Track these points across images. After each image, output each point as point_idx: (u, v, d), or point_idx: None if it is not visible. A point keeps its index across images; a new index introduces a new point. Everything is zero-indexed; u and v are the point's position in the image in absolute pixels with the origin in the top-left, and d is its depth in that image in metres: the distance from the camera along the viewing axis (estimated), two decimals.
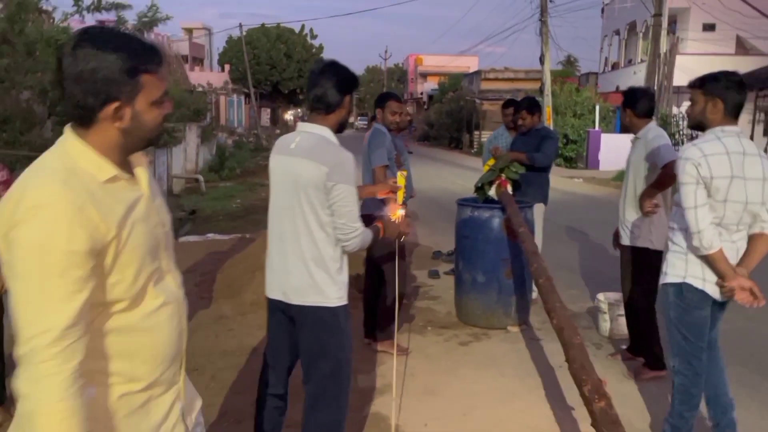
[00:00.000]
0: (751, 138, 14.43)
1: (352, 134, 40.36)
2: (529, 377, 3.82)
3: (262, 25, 43.39)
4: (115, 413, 1.30)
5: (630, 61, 26.84)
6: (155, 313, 1.34)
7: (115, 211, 1.25)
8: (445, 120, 33.08)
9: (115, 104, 1.26)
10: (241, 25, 36.31)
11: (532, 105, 5.26)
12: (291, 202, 2.32)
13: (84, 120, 1.27)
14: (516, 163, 4.91)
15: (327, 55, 51.44)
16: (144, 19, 6.83)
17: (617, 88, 23.36)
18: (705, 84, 2.68)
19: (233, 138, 24.76)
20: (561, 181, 15.28)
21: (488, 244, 4.57)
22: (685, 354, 2.72)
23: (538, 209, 5.06)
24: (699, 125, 2.73)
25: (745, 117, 15.59)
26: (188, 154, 15.38)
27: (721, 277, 2.58)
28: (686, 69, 17.38)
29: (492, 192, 4.93)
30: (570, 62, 44.91)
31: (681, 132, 15.23)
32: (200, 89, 24.30)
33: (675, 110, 16.44)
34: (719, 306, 2.75)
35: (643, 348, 3.88)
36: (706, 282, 2.63)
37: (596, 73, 31.05)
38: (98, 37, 1.25)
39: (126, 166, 1.35)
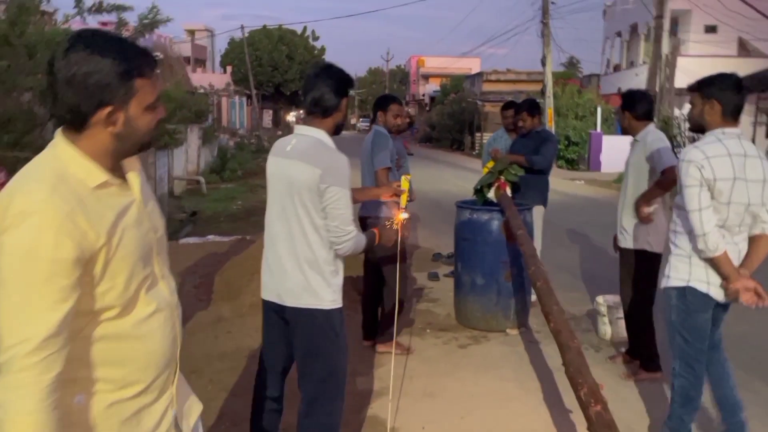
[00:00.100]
0: (753, 140, 14.42)
1: (353, 136, 40.43)
2: (528, 380, 3.82)
3: (264, 26, 43.53)
4: (105, 421, 1.28)
5: (632, 63, 26.83)
6: (147, 320, 1.33)
7: (105, 218, 1.24)
8: (446, 122, 33.09)
9: (108, 109, 1.24)
10: (243, 27, 36.39)
11: (532, 107, 5.26)
12: (286, 204, 2.32)
13: (76, 124, 1.25)
14: (515, 165, 4.91)
15: (329, 56, 51.64)
16: (145, 21, 6.82)
17: (619, 90, 23.27)
18: (702, 86, 2.69)
19: (235, 139, 24.82)
20: (562, 183, 15.27)
21: (487, 246, 4.57)
22: (686, 357, 2.71)
23: (538, 212, 5.05)
24: (699, 127, 2.73)
25: (746, 119, 15.58)
26: (190, 156, 15.41)
27: (725, 279, 2.58)
28: (688, 71, 17.37)
29: (491, 194, 4.93)
30: (572, 64, 44.94)
31: (682, 134, 15.20)
32: (202, 91, 24.35)
33: (677, 112, 16.42)
34: (722, 308, 2.75)
35: (640, 349, 3.88)
36: (710, 285, 2.63)
37: (598, 75, 31.04)
38: (91, 41, 1.24)
39: (118, 171, 1.34)
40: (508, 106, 5.76)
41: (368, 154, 4.08)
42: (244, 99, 37.36)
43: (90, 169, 1.26)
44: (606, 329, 4.55)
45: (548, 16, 20.24)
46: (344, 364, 2.42)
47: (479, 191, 5.02)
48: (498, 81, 33.39)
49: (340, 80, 2.37)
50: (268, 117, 45.56)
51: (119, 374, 1.30)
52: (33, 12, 6.36)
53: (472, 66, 45.71)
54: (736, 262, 2.61)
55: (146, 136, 1.34)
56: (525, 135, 5.21)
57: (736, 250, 2.63)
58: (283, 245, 2.35)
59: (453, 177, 16.65)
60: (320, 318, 2.32)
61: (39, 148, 1.32)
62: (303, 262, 2.30)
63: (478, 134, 28.69)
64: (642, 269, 3.74)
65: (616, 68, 28.71)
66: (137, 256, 1.30)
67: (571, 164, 20.30)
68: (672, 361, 2.81)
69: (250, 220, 9.73)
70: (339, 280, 2.38)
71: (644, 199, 3.64)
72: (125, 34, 6.60)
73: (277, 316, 2.43)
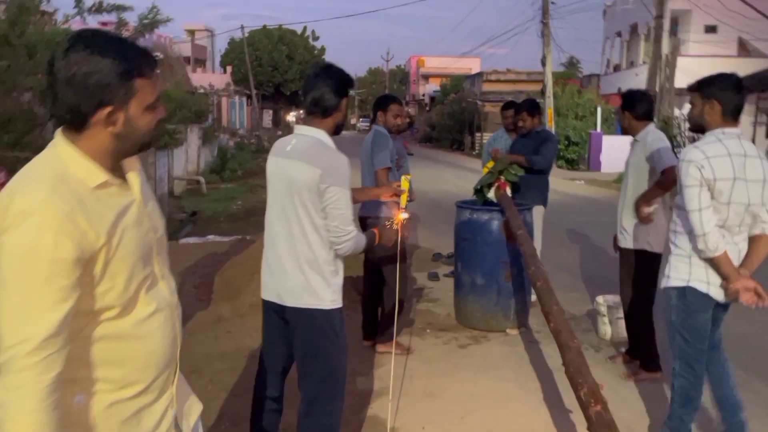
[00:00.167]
0: (753, 140, 14.42)
1: (354, 136, 40.43)
2: (528, 380, 3.82)
3: (264, 26, 43.53)
4: (105, 421, 1.28)
5: (632, 63, 26.83)
6: (147, 320, 1.33)
7: (104, 218, 1.24)
8: (446, 121, 33.09)
9: (108, 109, 1.24)
10: (243, 27, 36.40)
11: (532, 107, 5.26)
12: (286, 204, 2.33)
13: (76, 124, 1.25)
14: (515, 165, 4.91)
15: (329, 56, 51.64)
16: (145, 21, 6.82)
17: (619, 90, 23.28)
18: (702, 86, 2.70)
19: (235, 139, 24.83)
20: (562, 183, 15.27)
21: (487, 246, 4.57)
22: (686, 357, 2.72)
23: (538, 212, 5.05)
24: (699, 127, 2.74)
25: (746, 119, 15.57)
26: (190, 156, 15.41)
27: (725, 279, 2.58)
28: (688, 71, 17.37)
29: (491, 194, 4.93)
30: (572, 64, 44.94)
31: (682, 134, 15.21)
32: (202, 91, 24.35)
33: (677, 112, 16.42)
34: (722, 308, 2.76)
35: (640, 349, 3.89)
36: (710, 285, 2.63)
37: (598, 75, 31.04)
38: (91, 41, 1.24)
39: (118, 171, 1.33)
40: (508, 106, 5.77)
41: (368, 154, 4.08)
42: (244, 99, 37.36)
43: (90, 169, 1.26)
44: (606, 329, 4.55)
45: (548, 16, 20.25)
46: (344, 364, 2.42)
47: (479, 191, 5.02)
48: (498, 81, 33.40)
49: (340, 80, 2.37)
50: (268, 117, 45.57)
51: (119, 374, 1.30)
52: (33, 12, 6.36)
53: (472, 66, 45.71)
54: (736, 262, 2.61)
55: (146, 136, 1.34)
56: (525, 135, 5.21)
57: (736, 250, 2.63)
58: (283, 245, 2.35)
59: (453, 177, 16.65)
60: (320, 318, 2.32)
61: (39, 148, 1.31)
62: (303, 262, 2.30)
63: (478, 134, 28.70)
64: (642, 269, 3.74)
65: (616, 68, 28.71)
66: (137, 256, 1.30)
67: (571, 164, 20.30)
68: (672, 361, 2.81)
69: (250, 220, 9.73)
70: (339, 280, 2.38)
71: (644, 200, 3.64)
72: (125, 34, 6.60)
73: (277, 316, 2.43)
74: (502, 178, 4.87)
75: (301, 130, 2.41)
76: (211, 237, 8.08)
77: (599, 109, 21.00)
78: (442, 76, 46.30)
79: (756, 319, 4.41)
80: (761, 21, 20.63)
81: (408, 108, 47.08)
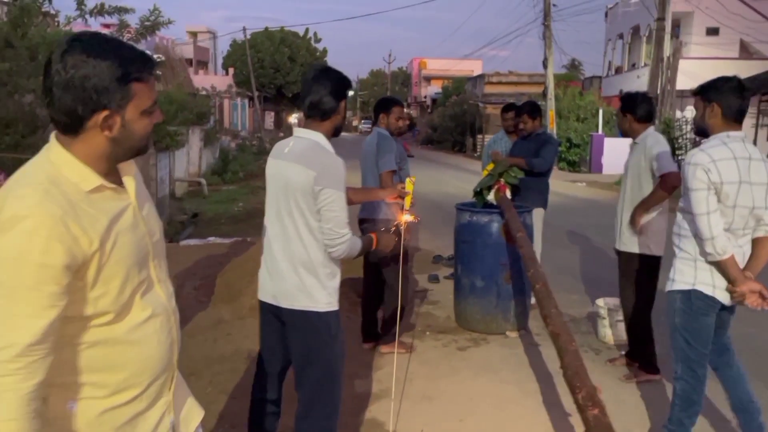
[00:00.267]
0: (755, 142, 14.40)
1: (355, 137, 40.45)
2: (527, 383, 3.81)
3: (266, 28, 43.54)
4: (98, 428, 1.27)
5: (633, 65, 26.81)
6: (142, 325, 1.31)
7: (98, 222, 1.22)
8: (448, 123, 33.10)
9: (105, 113, 1.23)
10: (245, 29, 36.39)
11: (533, 109, 5.26)
12: (282, 205, 2.33)
13: (72, 128, 1.24)
14: (515, 168, 4.91)
15: (331, 58, 51.71)
16: (146, 23, 6.84)
17: (621, 92, 23.31)
18: (703, 91, 2.70)
19: (237, 141, 24.85)
20: (564, 185, 15.26)
21: (487, 248, 4.57)
22: (689, 360, 2.71)
23: (538, 214, 5.05)
24: (702, 131, 2.74)
25: (748, 121, 15.55)
26: (191, 158, 15.43)
27: (731, 282, 2.58)
28: (690, 73, 17.37)
29: (491, 197, 4.93)
30: (574, 66, 44.92)
31: (684, 136, 15.20)
32: (204, 92, 24.41)
33: (678, 114, 16.41)
34: (728, 311, 2.75)
35: (639, 351, 3.88)
36: (716, 288, 2.63)
37: (600, 77, 31.03)
38: (89, 44, 1.22)
39: (114, 175, 1.32)
40: (508, 108, 5.77)
41: (372, 156, 4.08)
42: (246, 101, 37.41)
43: (84, 174, 1.25)
44: (606, 332, 4.55)
45: (550, 18, 20.25)
46: (340, 367, 2.42)
47: (479, 193, 5.02)
48: (500, 83, 33.42)
49: (337, 83, 2.38)
50: (269, 119, 45.62)
51: (113, 380, 1.28)
52: (35, 14, 6.39)
53: (474, 68, 45.74)
54: (740, 265, 2.61)
55: (142, 141, 1.33)
56: (526, 137, 5.21)
57: (740, 252, 2.64)
58: (279, 246, 2.35)
59: (454, 179, 16.65)
60: (315, 320, 2.32)
61: (40, 150, 1.31)
62: (298, 263, 2.31)
63: (479, 136, 28.68)
64: (641, 272, 3.73)
65: (618, 70, 28.70)
66: (132, 261, 1.28)
67: (573, 166, 20.29)
68: (674, 364, 2.81)
69: (251, 222, 9.72)
70: (335, 282, 2.37)
71: (643, 207, 3.63)
72: (127, 36, 6.61)
73: (273, 317, 2.43)
74: (502, 180, 4.87)
75: (299, 132, 2.42)
76: (211, 239, 8.09)
77: (601, 111, 20.99)
78: (443, 78, 46.33)
79: (756, 321, 4.40)
80: (763, 23, 20.64)
81: (409, 110, 47.12)
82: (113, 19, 6.73)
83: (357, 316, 4.53)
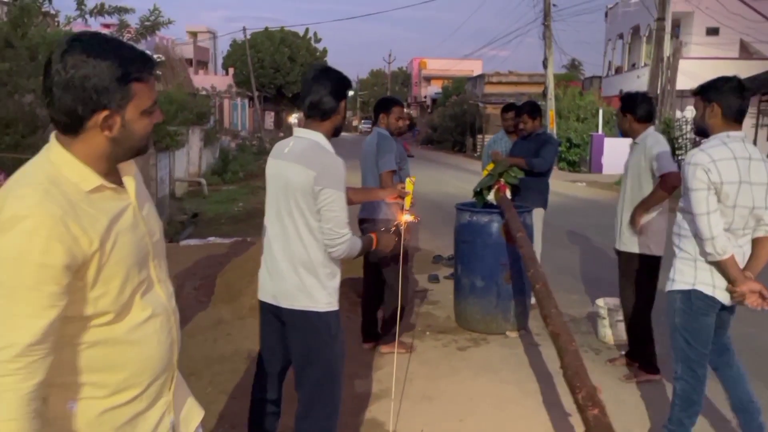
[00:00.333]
0: (755, 142, 14.40)
1: (355, 137, 40.45)
2: (527, 383, 3.81)
3: (266, 28, 43.54)
4: (98, 428, 1.27)
5: (633, 65, 26.82)
6: (142, 325, 1.31)
7: (98, 222, 1.22)
8: (448, 123, 33.11)
9: (105, 113, 1.23)
10: (245, 29, 36.37)
11: (533, 109, 5.26)
12: (282, 205, 2.33)
13: (72, 128, 1.24)
14: (515, 168, 4.91)
15: (331, 58, 51.72)
16: (146, 23, 6.84)
17: (621, 92, 23.32)
18: (703, 91, 2.70)
19: (237, 141, 24.86)
20: (564, 185, 15.27)
21: (487, 248, 4.57)
22: (689, 360, 2.72)
23: (538, 214, 5.05)
24: (702, 131, 2.74)
25: (748, 121, 15.55)
26: (191, 158, 15.43)
27: (731, 282, 2.59)
28: (690, 73, 17.36)
29: (491, 197, 4.93)
30: (574, 66, 44.93)
31: (684, 136, 15.20)
32: (204, 92, 24.41)
33: (678, 114, 16.42)
34: (727, 311, 2.76)
35: (638, 351, 3.89)
36: (716, 288, 2.63)
37: (600, 77, 31.03)
38: (89, 44, 1.22)
39: (114, 175, 1.32)
40: (508, 108, 5.77)
41: (372, 156, 4.08)
42: (246, 101, 37.42)
43: (84, 174, 1.25)
44: (606, 332, 4.55)
45: (550, 18, 20.25)
46: (340, 367, 2.42)
47: (479, 193, 5.02)
48: (500, 83, 33.43)
49: (337, 83, 2.38)
50: (269, 119, 45.62)
51: (113, 380, 1.28)
52: (35, 14, 6.38)
53: (474, 68, 45.75)
54: (740, 265, 2.61)
55: (142, 141, 1.32)
56: (526, 137, 5.21)
57: (740, 252, 2.64)
58: (279, 246, 2.35)
59: (454, 179, 16.65)
60: (315, 320, 2.32)
61: (40, 150, 1.31)
62: (298, 263, 2.31)
63: (479, 136, 28.69)
64: (641, 272, 3.74)
65: (618, 70, 28.70)
66: (132, 261, 1.28)
67: (573, 166, 20.29)
68: (674, 364, 2.81)
69: (251, 222, 9.72)
70: (335, 282, 2.37)
71: (643, 208, 3.63)
72: (127, 36, 6.61)
73: (273, 317, 2.43)
74: (502, 180, 4.87)
75: (299, 132, 2.42)
76: (211, 239, 8.09)
77: (601, 111, 20.99)
78: (443, 78, 46.34)
79: (756, 321, 4.40)
80: (763, 23, 20.64)
81: (409, 110, 47.13)
82: (113, 19, 6.73)
83: (357, 316, 4.53)
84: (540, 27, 20.50)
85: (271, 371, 2.51)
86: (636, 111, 3.76)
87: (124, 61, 1.24)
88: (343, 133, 2.53)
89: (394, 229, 2.77)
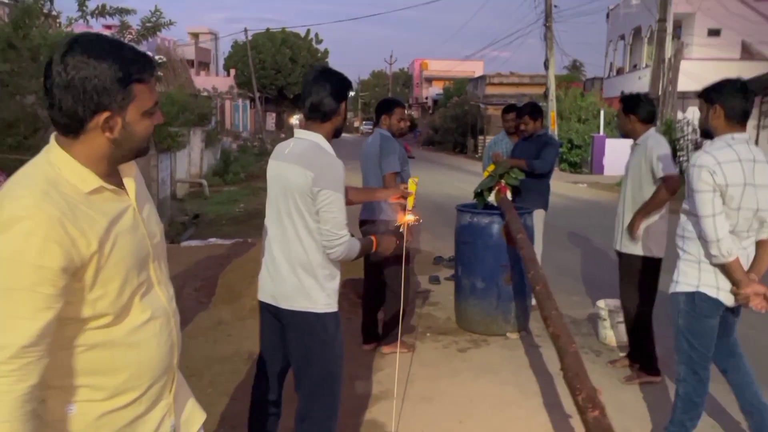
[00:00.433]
0: (756, 143, 14.39)
1: (357, 138, 40.47)
2: (528, 384, 3.81)
3: (268, 29, 43.58)
4: (97, 431, 1.27)
5: (635, 66, 26.80)
6: (141, 328, 1.30)
7: (97, 224, 1.22)
8: (449, 125, 33.11)
9: (106, 114, 1.22)
10: (246, 30, 36.39)
11: (534, 110, 5.26)
12: (281, 206, 2.34)
13: (72, 129, 1.23)
14: (516, 169, 4.91)
15: (332, 59, 51.72)
16: (147, 24, 6.85)
17: (622, 93, 23.29)
18: (706, 93, 2.71)
19: (238, 142, 24.89)
20: (565, 186, 15.26)
21: (487, 250, 4.57)
22: (692, 363, 2.71)
23: (538, 215, 5.05)
24: (706, 133, 2.74)
25: (750, 122, 15.51)
26: (192, 159, 15.46)
27: (735, 284, 2.58)
28: (691, 74, 17.36)
29: (491, 198, 4.93)
30: (575, 67, 44.89)
31: (685, 138, 15.19)
32: (205, 93, 24.43)
33: (679, 116, 16.41)
34: (732, 313, 2.75)
35: (639, 353, 3.88)
36: (720, 290, 2.63)
37: (601, 78, 31.01)
38: (90, 45, 1.22)
39: (114, 177, 1.32)
40: (509, 109, 5.77)
41: (375, 157, 4.08)
42: (248, 102, 37.45)
43: (83, 175, 1.24)
44: (607, 333, 4.54)
45: (551, 19, 20.24)
46: (339, 368, 2.41)
47: (479, 195, 5.02)
48: (501, 84, 33.44)
49: (338, 84, 2.37)
50: (271, 120, 45.64)
51: (112, 383, 1.27)
52: (36, 15, 6.39)
53: (476, 69, 45.76)
54: (744, 267, 2.62)
55: (143, 142, 1.32)
56: (527, 138, 5.21)
57: (744, 254, 2.64)
58: (278, 247, 2.35)
59: (455, 180, 16.64)
60: (313, 321, 2.32)
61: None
62: (297, 265, 2.31)
63: (480, 137, 28.69)
64: (642, 274, 3.73)
65: (619, 71, 28.68)
66: (131, 263, 1.27)
67: (574, 167, 20.29)
68: (676, 366, 2.81)
69: (252, 223, 9.74)
70: (334, 284, 2.37)
71: (643, 213, 3.63)
72: (128, 37, 6.62)
73: (273, 317, 2.44)
74: (503, 181, 4.87)
75: (300, 133, 2.42)
76: (212, 240, 8.10)
77: (602, 112, 20.98)
78: (445, 79, 46.36)
79: (756, 322, 4.39)
80: (764, 24, 20.62)
81: (410, 111, 47.15)
82: (114, 21, 6.74)
83: (357, 317, 4.53)
84: (541, 28, 20.51)
85: (271, 372, 2.51)
86: (640, 112, 3.76)
87: (125, 62, 1.24)
88: (344, 134, 2.53)
89: (403, 228, 2.77)
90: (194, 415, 1.51)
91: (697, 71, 17.85)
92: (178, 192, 13.14)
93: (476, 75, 40.14)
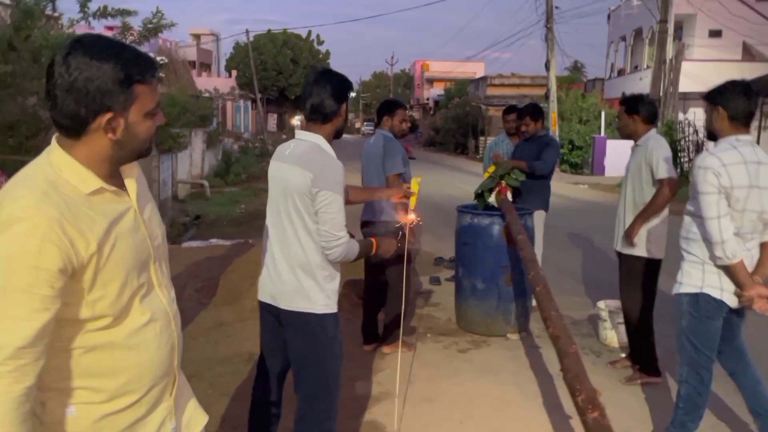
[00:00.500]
0: (757, 143, 14.35)
1: (357, 139, 40.45)
2: (528, 385, 3.81)
3: (269, 31, 43.63)
4: None
5: (636, 67, 26.80)
6: (141, 330, 1.30)
7: (96, 225, 1.21)
8: (450, 125, 33.13)
9: (108, 115, 1.22)
10: (248, 31, 36.43)
11: (535, 111, 5.26)
12: (281, 207, 2.34)
13: (74, 130, 1.23)
14: (516, 170, 4.92)
15: (333, 60, 51.71)
16: (149, 25, 6.87)
17: (623, 94, 23.27)
18: (709, 95, 2.72)
19: (239, 143, 24.91)
20: (566, 187, 15.26)
21: (488, 251, 4.57)
22: (694, 364, 2.72)
23: (539, 216, 5.05)
24: (711, 135, 2.75)
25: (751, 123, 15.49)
26: (194, 160, 15.48)
27: (739, 286, 2.59)
28: (692, 75, 17.37)
29: (492, 199, 4.93)
30: (576, 68, 44.87)
31: (686, 139, 15.19)
32: (207, 95, 24.43)
33: (681, 117, 16.40)
34: (736, 314, 2.75)
35: (639, 354, 3.88)
36: (724, 291, 2.64)
37: (602, 79, 30.99)
38: (91, 46, 1.22)
39: (116, 178, 1.31)
40: (509, 110, 5.77)
41: (378, 159, 4.08)
42: (249, 103, 37.49)
43: (84, 176, 1.24)
44: (607, 334, 4.54)
45: (552, 20, 20.25)
46: (338, 369, 2.41)
47: (480, 196, 5.02)
48: (502, 85, 33.45)
49: (339, 85, 2.38)
50: (272, 121, 45.69)
51: (112, 385, 1.27)
52: (38, 17, 6.40)
53: (477, 70, 45.81)
54: (748, 269, 2.61)
55: (145, 143, 1.32)
56: (528, 139, 5.21)
57: (748, 256, 2.64)
58: (278, 248, 2.36)
59: (456, 181, 16.65)
60: (312, 321, 2.32)
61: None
62: (296, 265, 2.31)
63: (481, 138, 28.71)
64: (642, 275, 3.73)
65: (621, 72, 28.68)
66: (131, 264, 1.27)
67: (575, 168, 20.28)
68: (679, 367, 2.81)
69: (254, 224, 9.75)
70: (334, 285, 2.38)
71: (643, 217, 3.63)
72: (130, 39, 6.64)
73: (272, 317, 2.44)
74: (504, 182, 4.87)
75: (300, 135, 2.43)
76: (213, 240, 8.11)
77: (603, 114, 20.97)
78: (446, 80, 46.39)
79: (755, 322, 4.38)
80: (766, 25, 20.59)
81: (412, 112, 47.17)
82: (116, 22, 6.76)
83: (358, 317, 4.54)
84: (542, 29, 20.52)
85: (271, 373, 2.52)
86: (643, 112, 3.76)
87: (127, 63, 1.24)
88: (345, 135, 2.53)
89: (408, 227, 2.77)
90: (196, 418, 1.51)
91: (698, 72, 17.86)
92: (179, 193, 13.16)
93: (477, 76, 40.15)
